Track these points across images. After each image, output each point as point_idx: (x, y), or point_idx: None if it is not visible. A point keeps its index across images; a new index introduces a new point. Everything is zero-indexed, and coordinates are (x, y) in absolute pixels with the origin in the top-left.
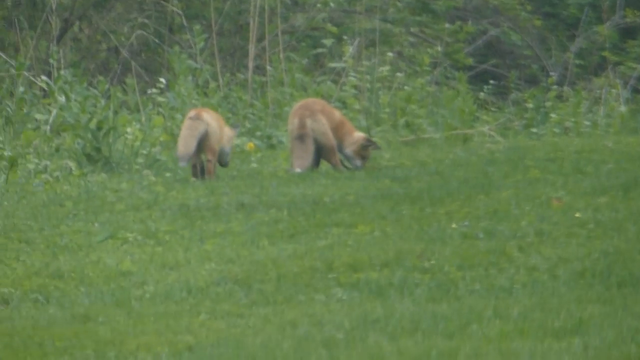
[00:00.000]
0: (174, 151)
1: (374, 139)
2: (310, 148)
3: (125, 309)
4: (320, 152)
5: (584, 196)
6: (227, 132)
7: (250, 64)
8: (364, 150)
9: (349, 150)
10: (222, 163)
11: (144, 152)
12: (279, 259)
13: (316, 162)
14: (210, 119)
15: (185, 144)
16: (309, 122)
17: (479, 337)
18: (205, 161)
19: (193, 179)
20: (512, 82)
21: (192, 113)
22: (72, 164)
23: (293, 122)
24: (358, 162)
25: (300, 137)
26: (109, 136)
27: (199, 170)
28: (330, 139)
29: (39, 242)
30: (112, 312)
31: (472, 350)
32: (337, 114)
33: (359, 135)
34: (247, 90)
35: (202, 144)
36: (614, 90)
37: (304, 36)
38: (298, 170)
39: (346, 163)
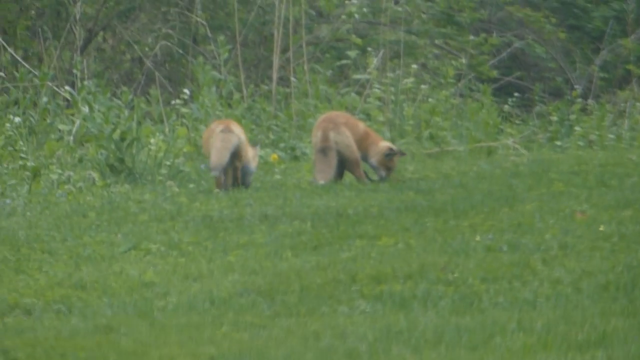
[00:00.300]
0: (201, 162)
1: (396, 147)
2: (333, 161)
3: (147, 320)
4: (344, 165)
5: (608, 209)
6: (251, 151)
7: (274, 75)
8: (389, 160)
9: (373, 160)
10: (246, 183)
11: (168, 163)
12: (303, 270)
13: (340, 174)
14: (240, 132)
15: (220, 155)
16: (332, 135)
17: (503, 350)
18: (234, 169)
19: (216, 190)
20: (537, 95)
21: (221, 126)
22: (95, 175)
23: (316, 135)
24: (383, 173)
25: (323, 150)
26: (133, 147)
27: (224, 181)
28: (354, 152)
29: (61, 253)
30: (134, 323)
31: None
32: (362, 126)
33: (384, 144)
34: (271, 101)
35: (234, 155)
36: (638, 104)
37: (328, 47)
38: (321, 182)
39: (370, 175)
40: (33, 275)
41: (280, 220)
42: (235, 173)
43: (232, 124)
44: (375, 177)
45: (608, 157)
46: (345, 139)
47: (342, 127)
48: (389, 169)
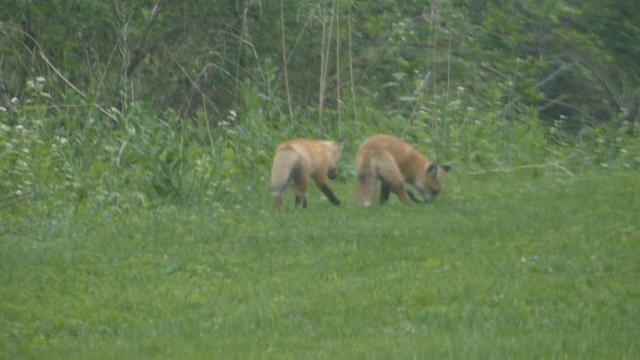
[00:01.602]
0: (248, 184)
1: (439, 164)
2: (371, 188)
3: (193, 342)
4: (389, 188)
5: None
6: (331, 147)
7: (321, 97)
8: (433, 180)
9: (420, 183)
10: (332, 176)
11: (214, 184)
12: (348, 292)
13: (386, 196)
14: (302, 150)
15: (278, 175)
16: (373, 162)
17: None
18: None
19: (277, 209)
20: (583, 117)
21: (282, 145)
22: (141, 196)
23: (358, 161)
24: (428, 196)
25: (362, 177)
26: (179, 168)
27: (282, 199)
28: (397, 177)
29: (107, 274)
30: (180, 345)
31: None
32: (408, 149)
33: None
34: (318, 123)
35: (297, 174)
36: None
37: (375, 70)
38: (367, 203)
39: (417, 197)
40: (79, 296)
41: (326, 242)
42: (320, 188)
43: (295, 142)
44: (421, 199)
45: None
46: (388, 164)
47: (384, 153)
48: (434, 193)
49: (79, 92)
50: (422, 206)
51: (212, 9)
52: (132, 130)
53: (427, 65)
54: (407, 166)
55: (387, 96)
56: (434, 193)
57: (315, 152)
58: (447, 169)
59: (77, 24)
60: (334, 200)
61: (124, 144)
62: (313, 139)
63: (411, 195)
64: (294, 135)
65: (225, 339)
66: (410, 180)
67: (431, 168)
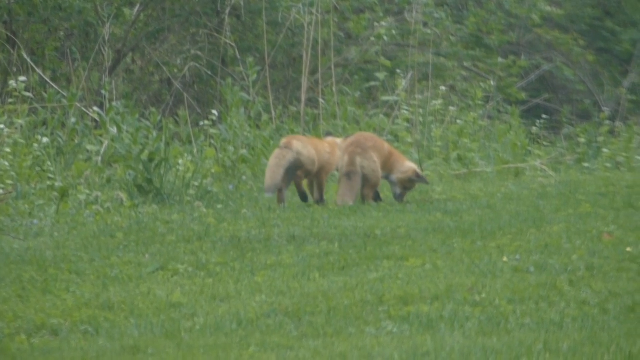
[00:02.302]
0: (229, 183)
1: (423, 174)
2: (356, 186)
3: (175, 341)
4: (364, 183)
5: (635, 231)
6: (342, 144)
7: (303, 97)
8: (410, 182)
9: (394, 177)
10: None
11: (196, 183)
12: (330, 291)
13: (377, 196)
14: (301, 146)
15: (272, 175)
16: (358, 160)
17: None
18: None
19: (280, 205)
20: (565, 117)
21: (282, 141)
22: (123, 195)
23: (343, 159)
24: (398, 190)
25: (348, 175)
26: (161, 168)
27: (284, 196)
28: (378, 177)
29: (89, 273)
30: (161, 344)
31: None
32: (386, 146)
33: (409, 166)
34: (300, 122)
35: (291, 171)
36: None
37: (356, 69)
38: (350, 203)
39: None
40: (60, 295)
41: (308, 241)
42: (317, 184)
43: (296, 138)
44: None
45: (635, 179)
46: (372, 164)
47: (370, 152)
48: (405, 189)
49: (61, 91)
50: (404, 205)
51: (194, 8)
52: (114, 130)
53: (409, 64)
54: (386, 163)
55: (368, 96)
56: (405, 189)
57: (321, 148)
58: (425, 183)
59: (58, 23)
60: (320, 199)
61: (106, 143)
62: (312, 136)
63: (378, 194)
64: (275, 135)
65: (206, 338)
66: (387, 175)
67: (415, 180)
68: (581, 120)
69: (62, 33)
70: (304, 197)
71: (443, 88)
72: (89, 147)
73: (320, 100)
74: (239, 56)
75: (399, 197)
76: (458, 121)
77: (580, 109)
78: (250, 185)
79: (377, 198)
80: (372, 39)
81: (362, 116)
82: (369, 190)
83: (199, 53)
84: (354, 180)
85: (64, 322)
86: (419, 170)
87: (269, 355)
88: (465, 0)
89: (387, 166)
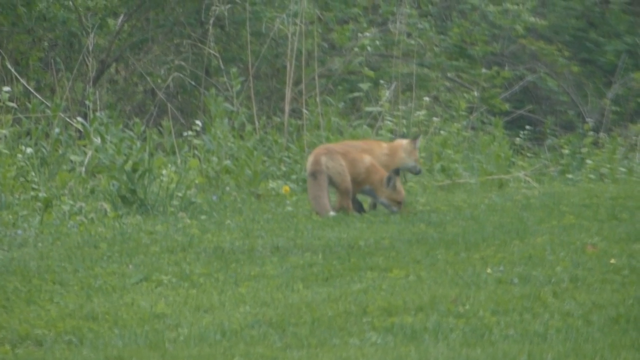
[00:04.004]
0: (213, 194)
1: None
2: (324, 185)
3: (159, 352)
4: (336, 190)
5: (619, 242)
6: (406, 146)
7: (287, 107)
8: (393, 191)
9: (383, 198)
10: (415, 172)
11: (179, 194)
12: (314, 302)
13: (373, 205)
14: (330, 162)
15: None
16: (323, 159)
17: None
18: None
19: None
20: (548, 128)
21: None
22: (107, 206)
23: (309, 160)
24: (395, 209)
25: (313, 174)
26: (144, 178)
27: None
28: (345, 180)
29: (73, 284)
30: (145, 355)
31: None
32: (367, 159)
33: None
34: (283, 133)
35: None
36: None
37: (340, 80)
38: (331, 213)
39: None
40: (44, 306)
41: (292, 252)
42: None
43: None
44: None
45: (619, 190)
46: (338, 166)
47: (336, 155)
48: (399, 203)
49: (45, 101)
50: (387, 217)
51: (178, 19)
52: (97, 140)
53: (393, 75)
54: (368, 176)
55: (352, 106)
56: (399, 204)
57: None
58: (397, 172)
59: (42, 33)
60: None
61: (89, 153)
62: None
63: (361, 205)
64: (259, 145)
65: (190, 349)
66: (372, 192)
67: (389, 180)
68: (565, 131)
69: (46, 43)
70: (359, 208)
71: (426, 99)
72: (72, 157)
73: (304, 110)
74: (222, 66)
75: (397, 212)
76: (441, 132)
77: (564, 120)
78: (234, 195)
79: (360, 209)
80: (356, 49)
81: (346, 127)
82: (345, 200)
83: (183, 63)
84: (320, 179)
85: (48, 332)
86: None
87: None
88: (449, 11)
89: (371, 181)
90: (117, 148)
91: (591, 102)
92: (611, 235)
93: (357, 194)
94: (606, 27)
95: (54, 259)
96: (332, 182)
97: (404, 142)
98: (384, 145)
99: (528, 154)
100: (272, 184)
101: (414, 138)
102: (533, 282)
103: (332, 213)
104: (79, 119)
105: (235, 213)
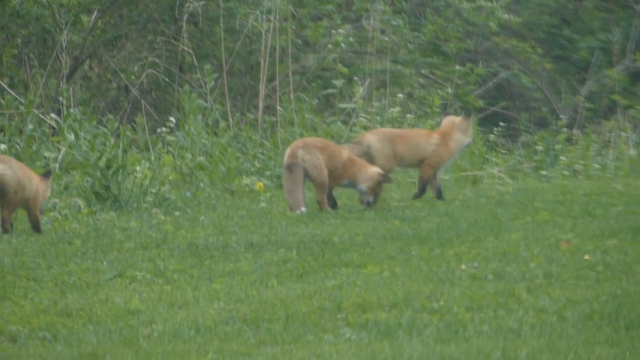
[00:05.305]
0: (187, 190)
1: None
2: (300, 178)
3: (133, 348)
4: (313, 183)
5: (593, 239)
6: (460, 124)
7: (261, 104)
8: (378, 186)
9: (363, 185)
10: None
11: (153, 190)
12: (288, 298)
13: (334, 203)
14: (307, 156)
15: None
16: (300, 153)
17: None
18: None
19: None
20: (522, 125)
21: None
22: (81, 202)
23: (286, 153)
24: (371, 199)
25: (289, 167)
26: (118, 174)
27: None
28: (322, 174)
29: (47, 280)
30: (120, 351)
31: None
32: (345, 153)
33: (373, 170)
34: (257, 129)
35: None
36: (623, 134)
37: (314, 76)
38: (303, 209)
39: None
40: (18, 302)
41: (266, 248)
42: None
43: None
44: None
45: (593, 187)
46: (315, 160)
47: (313, 149)
48: (377, 195)
49: (18, 98)
50: (362, 213)
51: (152, 15)
52: (71, 136)
53: (367, 72)
54: (347, 170)
55: (326, 103)
56: (376, 195)
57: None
58: (389, 181)
59: (16, 30)
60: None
61: (63, 150)
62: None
63: (335, 201)
64: (233, 141)
65: (164, 345)
66: (352, 184)
67: (381, 181)
68: (539, 127)
69: (19, 40)
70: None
71: (400, 95)
72: (46, 153)
73: (278, 107)
74: (196, 63)
75: (372, 204)
76: (415, 128)
77: (537, 116)
78: (208, 192)
79: (334, 205)
80: (330, 46)
81: (320, 123)
82: (321, 194)
83: (157, 60)
84: (295, 172)
85: (22, 328)
86: (381, 171)
87: None
88: (422, 7)
89: (350, 174)
90: (90, 144)
91: (565, 98)
92: (585, 232)
93: (337, 187)
94: (580, 24)
95: (28, 255)
96: (308, 176)
97: (457, 120)
98: (435, 135)
99: (502, 151)
100: (246, 181)
101: (466, 115)
102: (507, 278)
103: (303, 209)
104: (53, 115)
105: (209, 209)
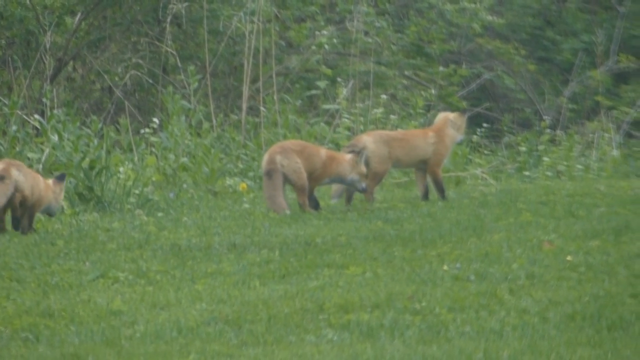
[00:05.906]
0: (170, 191)
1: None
2: (279, 184)
3: (115, 349)
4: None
5: (576, 239)
6: (455, 120)
7: (244, 105)
8: (361, 164)
9: (353, 176)
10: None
11: (136, 191)
12: (270, 299)
13: (349, 199)
14: (285, 161)
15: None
16: (278, 158)
17: None
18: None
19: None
20: (506, 126)
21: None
22: (64, 203)
23: (264, 159)
24: (363, 185)
25: (268, 173)
26: (102, 175)
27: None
28: (301, 178)
29: (29, 281)
30: (102, 352)
31: None
32: (323, 151)
33: (348, 157)
34: (241, 131)
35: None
36: (606, 135)
37: (297, 78)
38: (287, 211)
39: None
40: (1, 303)
41: (249, 249)
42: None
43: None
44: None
45: (576, 188)
46: (294, 164)
47: (291, 153)
48: (366, 177)
49: (2, 99)
50: (344, 214)
51: (135, 17)
52: (55, 138)
53: (350, 73)
54: (327, 168)
55: (309, 104)
56: (366, 177)
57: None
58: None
59: None
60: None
61: (47, 151)
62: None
63: (317, 202)
64: (216, 142)
65: (146, 346)
66: (340, 179)
67: (360, 154)
68: (522, 129)
69: (3, 41)
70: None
71: (384, 96)
72: (30, 154)
73: (262, 108)
74: (180, 64)
75: (366, 188)
76: (399, 130)
77: (521, 117)
78: (191, 193)
79: (316, 206)
80: (313, 47)
81: (303, 124)
82: (302, 197)
83: (140, 61)
84: (275, 177)
85: (4, 329)
86: (351, 154)
87: None
88: (406, 9)
89: (333, 171)
90: (74, 145)
91: (548, 100)
92: (568, 233)
93: (318, 187)
94: (563, 26)
95: (11, 256)
96: (288, 180)
97: (451, 116)
98: (430, 133)
99: (485, 152)
100: (229, 181)
101: (462, 112)
102: (489, 279)
103: (287, 211)
104: (36, 116)
105: (192, 210)
